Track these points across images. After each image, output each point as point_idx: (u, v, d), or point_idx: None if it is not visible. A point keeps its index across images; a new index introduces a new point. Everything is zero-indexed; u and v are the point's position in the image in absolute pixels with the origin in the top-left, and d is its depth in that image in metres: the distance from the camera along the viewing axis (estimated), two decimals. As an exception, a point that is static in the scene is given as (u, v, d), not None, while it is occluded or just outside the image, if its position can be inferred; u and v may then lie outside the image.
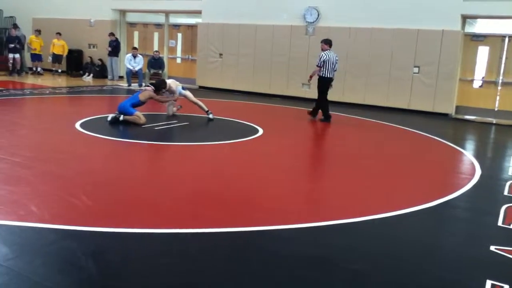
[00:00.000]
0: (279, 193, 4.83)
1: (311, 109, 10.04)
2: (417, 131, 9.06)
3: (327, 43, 9.78)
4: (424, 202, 4.67)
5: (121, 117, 7.91)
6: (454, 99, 11.65)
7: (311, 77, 9.89)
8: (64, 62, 16.92)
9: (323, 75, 9.63)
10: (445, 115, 11.52)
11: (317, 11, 12.82)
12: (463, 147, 7.99)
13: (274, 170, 5.76)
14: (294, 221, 4.01)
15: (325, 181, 5.38)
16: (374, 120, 10.22)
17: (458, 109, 11.78)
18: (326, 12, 12.76)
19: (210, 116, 9.03)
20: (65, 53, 16.57)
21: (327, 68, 9.58)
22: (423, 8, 11.47)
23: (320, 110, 9.84)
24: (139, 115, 7.97)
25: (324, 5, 12.76)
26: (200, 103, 9.21)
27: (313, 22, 12.93)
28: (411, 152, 7.51)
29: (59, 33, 16.38)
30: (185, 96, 9.17)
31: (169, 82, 8.95)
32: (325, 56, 9.55)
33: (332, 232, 3.88)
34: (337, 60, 9.81)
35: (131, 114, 7.94)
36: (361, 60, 12.36)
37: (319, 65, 9.60)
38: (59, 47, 16.43)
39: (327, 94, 9.75)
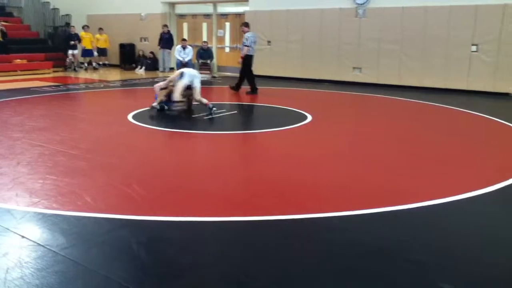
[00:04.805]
0: (331, 180, 4.72)
1: (233, 85, 11.39)
2: (477, 113, 8.62)
3: (247, 25, 11.23)
4: (485, 186, 4.42)
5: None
6: (517, 77, 10.98)
7: (242, 58, 10.95)
8: (117, 56, 17.51)
9: (250, 53, 11.00)
10: (506, 95, 10.89)
11: (367, -8, 12.43)
12: (527, 128, 7.51)
13: (324, 157, 5.65)
14: (348, 208, 3.91)
15: (379, 167, 5.20)
16: (431, 103, 9.81)
17: (521, 88, 11.10)
18: (377, -8, 12.35)
19: (213, 110, 7.98)
20: (108, 46, 17.27)
21: (253, 47, 11.01)
22: (481, -18, 10.86)
23: (242, 85, 11.20)
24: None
25: (374, -15, 12.35)
26: (203, 100, 8.19)
27: (363, 4, 12.56)
28: (471, 135, 7.15)
29: (101, 28, 17.05)
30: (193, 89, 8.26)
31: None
32: (252, 37, 10.98)
33: (388, 219, 3.73)
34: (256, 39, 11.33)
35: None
36: (415, 40, 11.91)
37: (248, 45, 10.85)
38: (102, 41, 17.06)
39: (251, 69, 11.17)
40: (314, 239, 3.38)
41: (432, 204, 4.01)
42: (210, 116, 7.81)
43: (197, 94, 8.26)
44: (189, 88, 8.32)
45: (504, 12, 10.64)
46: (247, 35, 10.95)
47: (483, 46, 11.05)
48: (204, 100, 8.16)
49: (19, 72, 14.90)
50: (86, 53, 16.89)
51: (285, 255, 3.11)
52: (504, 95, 10.88)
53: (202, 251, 3.16)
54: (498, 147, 6.31)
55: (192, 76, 8.33)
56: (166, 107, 8.37)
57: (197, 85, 8.30)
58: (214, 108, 7.98)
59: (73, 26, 16.81)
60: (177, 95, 8.16)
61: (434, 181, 4.71)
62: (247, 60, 11.05)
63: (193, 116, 7.81)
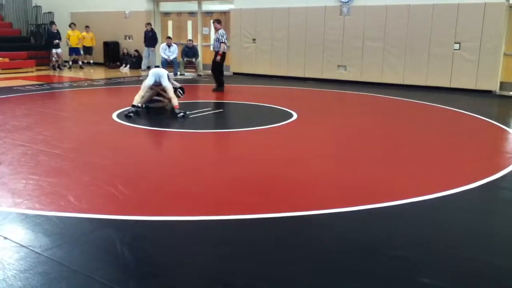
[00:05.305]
0: (318, 178, 4.74)
1: (215, 86, 11.10)
2: (460, 110, 8.72)
3: (219, 22, 11.11)
4: (468, 183, 4.48)
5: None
6: (499, 75, 11.14)
7: (220, 55, 10.73)
8: (101, 54, 17.34)
9: (225, 50, 10.91)
10: (488, 92, 11.05)
11: (351, -10, 12.51)
12: (508, 125, 7.63)
13: (310, 154, 5.67)
14: (334, 206, 3.92)
15: (364, 165, 5.24)
16: (414, 101, 9.91)
17: (503, 85, 11.25)
18: (361, -10, 12.42)
19: (179, 115, 7.74)
20: (94, 44, 17.06)
21: (226, 44, 10.92)
22: (463, -19, 10.98)
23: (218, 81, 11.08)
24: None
25: (359, -17, 12.42)
26: (174, 101, 8.03)
27: (347, 2, 12.62)
28: (453, 132, 7.24)
29: (87, 26, 16.85)
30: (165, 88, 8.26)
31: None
32: (226, 34, 10.87)
33: (374, 216, 3.77)
34: None
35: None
36: (399, 38, 12.01)
37: (224, 42, 10.69)
38: (89, 39, 16.88)
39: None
40: (301, 237, 3.39)
41: (418, 201, 4.05)
42: (182, 115, 7.68)
43: (170, 93, 8.07)
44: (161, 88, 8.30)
45: (485, 10, 10.77)
46: (221, 32, 10.78)
47: (465, 44, 11.19)
48: (175, 102, 7.94)
49: (0, 71, 14.66)
50: (73, 51, 16.69)
51: (271, 253, 3.12)
52: (487, 92, 11.03)
53: (186, 250, 3.15)
54: (481, 144, 6.41)
55: (156, 75, 8.22)
56: (144, 106, 8.35)
57: (165, 84, 8.15)
58: (182, 114, 7.68)
59: (54, 24, 16.60)
60: (140, 94, 8.01)
61: (419, 178, 4.76)
62: (223, 58, 10.94)
63: (178, 115, 7.77)
